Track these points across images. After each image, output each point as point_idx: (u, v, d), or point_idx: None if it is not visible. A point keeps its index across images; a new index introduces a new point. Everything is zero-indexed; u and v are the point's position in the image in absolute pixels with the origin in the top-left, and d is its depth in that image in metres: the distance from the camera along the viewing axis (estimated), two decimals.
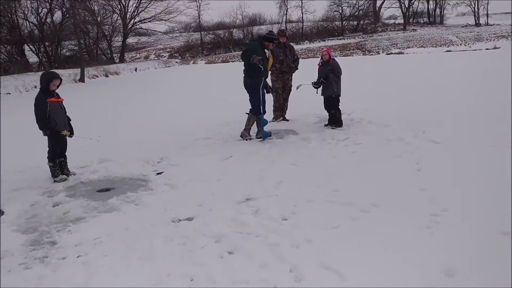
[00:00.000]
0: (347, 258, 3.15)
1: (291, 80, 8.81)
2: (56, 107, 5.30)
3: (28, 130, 6.90)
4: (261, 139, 7.22)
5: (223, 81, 17.58)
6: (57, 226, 3.98)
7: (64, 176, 5.43)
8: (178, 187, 5.03)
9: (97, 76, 24.53)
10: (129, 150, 6.86)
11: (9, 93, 16.83)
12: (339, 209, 4.13)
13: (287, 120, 8.75)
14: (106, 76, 25.41)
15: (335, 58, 8.19)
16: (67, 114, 5.58)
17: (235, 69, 22.59)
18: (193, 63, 37.88)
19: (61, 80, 5.39)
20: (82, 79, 22.07)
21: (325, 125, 7.92)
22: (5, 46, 26.48)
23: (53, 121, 5.23)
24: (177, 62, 37.97)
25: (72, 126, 5.64)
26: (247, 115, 7.32)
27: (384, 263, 3.09)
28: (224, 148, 6.80)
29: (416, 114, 8.33)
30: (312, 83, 7.83)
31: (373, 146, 6.42)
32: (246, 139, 7.20)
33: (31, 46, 28.81)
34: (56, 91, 5.42)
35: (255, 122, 7.33)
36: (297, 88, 8.41)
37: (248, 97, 7.30)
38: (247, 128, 7.32)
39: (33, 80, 18.84)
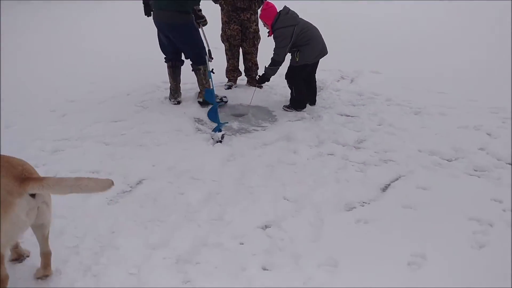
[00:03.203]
0: None
1: (255, 22, 5.32)
2: None
3: None
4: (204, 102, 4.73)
5: None
6: None
7: None
8: None
9: None
10: None
11: None
12: None
13: (261, 87, 5.47)
14: None
15: (284, 14, 4.57)
16: None
17: None
18: None
19: None
20: None
21: (284, 106, 4.96)
22: None
23: None
24: None
25: None
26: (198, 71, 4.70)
27: None
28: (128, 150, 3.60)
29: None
30: (262, 74, 5.02)
31: (420, 172, 3.43)
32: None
33: None
34: None
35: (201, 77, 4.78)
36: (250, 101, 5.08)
37: (183, 45, 4.59)
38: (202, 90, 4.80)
39: None
